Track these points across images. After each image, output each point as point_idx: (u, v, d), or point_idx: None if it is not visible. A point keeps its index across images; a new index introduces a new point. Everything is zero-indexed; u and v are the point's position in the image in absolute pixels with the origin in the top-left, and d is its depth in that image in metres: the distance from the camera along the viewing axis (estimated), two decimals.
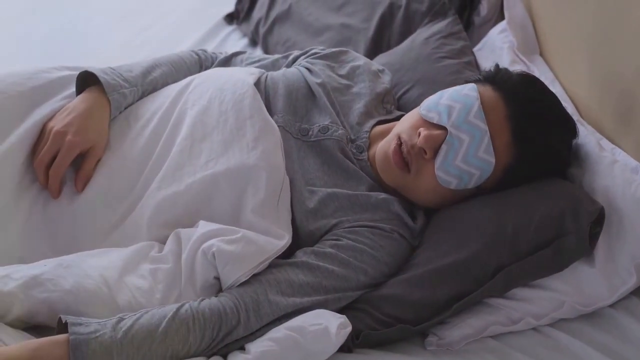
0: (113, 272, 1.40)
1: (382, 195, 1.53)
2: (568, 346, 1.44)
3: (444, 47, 1.97)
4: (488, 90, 1.52)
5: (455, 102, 1.51)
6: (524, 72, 1.62)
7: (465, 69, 1.90)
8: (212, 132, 1.55)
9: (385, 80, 1.77)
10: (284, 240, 1.45)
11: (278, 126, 1.59)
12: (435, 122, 1.50)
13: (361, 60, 1.80)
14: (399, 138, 1.52)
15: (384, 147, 1.55)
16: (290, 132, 1.60)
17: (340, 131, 1.60)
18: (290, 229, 1.49)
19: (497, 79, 1.55)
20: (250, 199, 1.48)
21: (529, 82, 1.57)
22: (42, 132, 1.54)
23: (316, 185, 1.54)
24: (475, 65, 1.96)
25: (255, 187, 1.49)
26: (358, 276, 1.45)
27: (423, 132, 1.49)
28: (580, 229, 1.43)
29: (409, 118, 1.56)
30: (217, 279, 1.42)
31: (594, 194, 1.52)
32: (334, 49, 1.81)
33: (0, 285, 1.33)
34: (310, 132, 1.60)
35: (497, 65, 1.61)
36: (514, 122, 1.49)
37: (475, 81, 1.57)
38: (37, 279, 1.35)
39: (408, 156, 1.50)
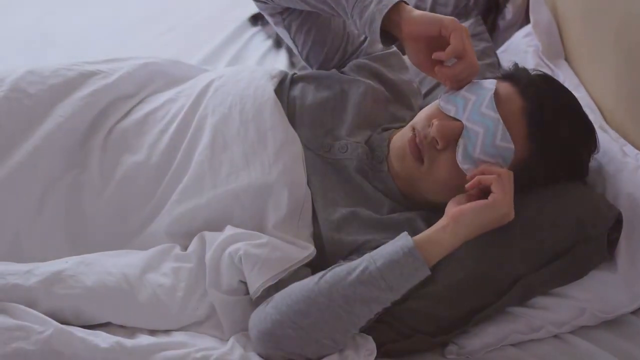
0: (134, 269, 1.42)
1: (405, 214, 1.51)
2: (589, 354, 1.43)
3: None
4: (505, 86, 1.48)
5: (471, 94, 1.47)
6: (542, 72, 1.59)
7: (487, 70, 1.88)
8: (232, 143, 1.54)
9: (419, 102, 1.74)
10: (309, 250, 1.45)
11: None
12: (452, 114, 1.47)
13: (407, 74, 1.75)
14: (414, 129, 1.50)
15: (399, 138, 1.54)
16: (312, 149, 1.57)
17: (359, 150, 1.57)
18: (312, 242, 1.49)
19: (515, 75, 1.52)
20: (272, 215, 1.48)
21: (547, 79, 1.54)
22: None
23: (339, 204, 1.52)
24: (498, 66, 1.95)
25: (277, 204, 1.49)
26: None
27: (435, 122, 1.46)
28: (598, 235, 1.42)
29: (426, 110, 1.53)
30: (242, 282, 1.42)
31: (617, 200, 1.50)
32: (386, 51, 1.74)
33: (22, 281, 1.35)
34: (332, 149, 1.57)
35: (515, 64, 1.58)
36: (529, 115, 1.45)
37: (494, 78, 1.53)
38: (59, 276, 1.37)
39: (421, 146, 1.48)
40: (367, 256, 1.35)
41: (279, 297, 1.35)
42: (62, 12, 2.58)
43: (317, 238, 1.50)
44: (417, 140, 1.48)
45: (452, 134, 1.45)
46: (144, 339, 1.35)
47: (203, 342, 1.38)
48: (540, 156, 1.46)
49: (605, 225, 1.43)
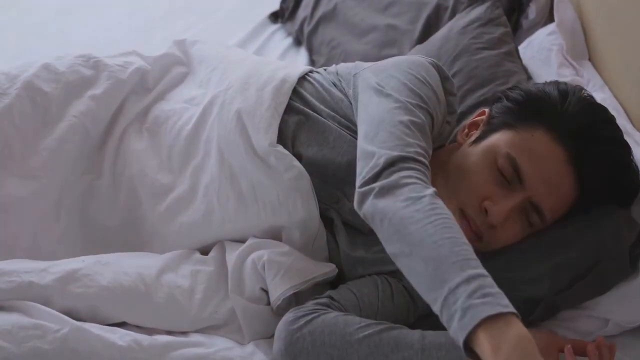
0: (151, 270, 1.41)
1: None
2: None
3: (482, 37, 1.89)
4: (539, 135, 1.38)
5: None
6: (580, 96, 1.43)
7: (504, 60, 1.83)
8: (240, 176, 1.48)
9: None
10: (331, 267, 1.43)
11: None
12: None
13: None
14: (463, 212, 1.38)
15: None
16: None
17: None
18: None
19: (547, 115, 1.39)
20: (285, 245, 1.46)
21: (584, 110, 1.41)
22: None
23: (359, 245, 1.46)
24: (516, 54, 1.90)
25: (289, 239, 1.46)
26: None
27: (491, 208, 1.36)
28: (619, 253, 1.39)
29: (474, 184, 1.39)
30: (264, 291, 1.41)
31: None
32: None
33: (38, 279, 1.34)
34: (341, 205, 1.47)
35: (544, 96, 1.42)
36: (577, 165, 1.37)
37: (520, 120, 1.40)
38: (75, 274, 1.36)
39: (478, 231, 1.39)
40: (418, 344, 1.27)
41: (319, 325, 1.30)
42: (79, 11, 2.58)
43: (333, 255, 1.48)
44: (474, 228, 1.38)
45: (513, 212, 1.38)
46: (161, 338, 1.34)
47: (221, 343, 1.37)
48: (589, 194, 1.40)
49: (625, 243, 1.40)
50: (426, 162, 1.30)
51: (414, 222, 1.18)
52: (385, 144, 1.31)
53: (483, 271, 1.12)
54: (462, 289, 1.09)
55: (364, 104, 1.42)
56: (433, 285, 1.13)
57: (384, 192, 1.24)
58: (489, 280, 1.12)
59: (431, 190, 1.23)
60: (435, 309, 1.12)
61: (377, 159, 1.28)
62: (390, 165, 1.27)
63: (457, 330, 1.09)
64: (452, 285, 1.10)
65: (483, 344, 1.06)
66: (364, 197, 1.27)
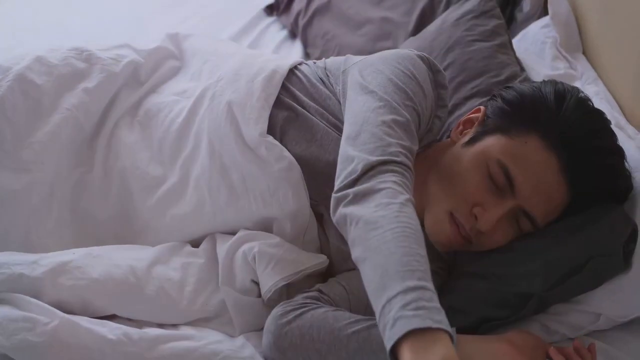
0: (142, 263, 1.41)
1: None
2: (606, 355, 1.40)
3: (475, 29, 1.88)
4: (533, 142, 1.37)
5: None
6: (576, 100, 1.41)
7: (497, 52, 1.83)
8: (230, 167, 1.47)
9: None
10: (322, 258, 1.44)
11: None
12: None
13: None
14: (453, 217, 1.38)
15: (435, 228, 1.40)
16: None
17: None
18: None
19: (542, 121, 1.38)
20: (277, 236, 1.46)
21: (576, 117, 1.39)
22: None
23: None
24: (509, 45, 1.89)
25: (280, 230, 1.46)
26: None
27: (481, 215, 1.36)
28: (613, 249, 1.38)
29: (464, 187, 1.38)
30: (255, 283, 1.41)
31: (633, 200, 1.46)
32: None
33: (28, 271, 1.34)
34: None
35: (539, 100, 1.40)
36: (570, 174, 1.36)
37: (514, 125, 1.39)
38: (65, 266, 1.36)
39: (467, 236, 1.39)
40: None
41: (308, 320, 1.30)
42: (74, 3, 2.58)
43: (324, 248, 1.48)
44: (464, 232, 1.38)
45: (503, 218, 1.38)
46: (151, 331, 1.34)
47: (211, 336, 1.37)
48: (582, 198, 1.40)
49: (620, 239, 1.39)
50: (407, 160, 1.29)
51: (376, 228, 1.17)
52: (365, 146, 1.29)
53: (426, 284, 1.09)
54: (398, 299, 1.07)
55: (350, 102, 1.41)
56: (377, 293, 1.11)
57: (358, 198, 1.23)
58: (429, 293, 1.08)
59: (404, 197, 1.21)
60: (377, 317, 1.10)
61: (356, 164, 1.27)
62: (369, 170, 1.25)
63: (386, 341, 1.06)
64: (391, 295, 1.08)
65: (405, 358, 1.03)
66: (337, 203, 1.25)
